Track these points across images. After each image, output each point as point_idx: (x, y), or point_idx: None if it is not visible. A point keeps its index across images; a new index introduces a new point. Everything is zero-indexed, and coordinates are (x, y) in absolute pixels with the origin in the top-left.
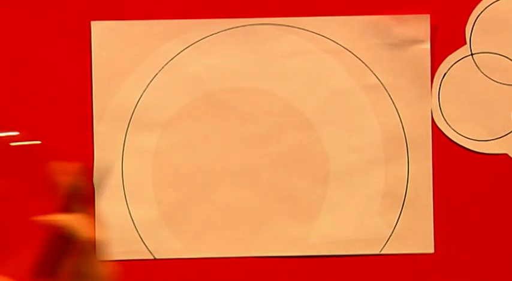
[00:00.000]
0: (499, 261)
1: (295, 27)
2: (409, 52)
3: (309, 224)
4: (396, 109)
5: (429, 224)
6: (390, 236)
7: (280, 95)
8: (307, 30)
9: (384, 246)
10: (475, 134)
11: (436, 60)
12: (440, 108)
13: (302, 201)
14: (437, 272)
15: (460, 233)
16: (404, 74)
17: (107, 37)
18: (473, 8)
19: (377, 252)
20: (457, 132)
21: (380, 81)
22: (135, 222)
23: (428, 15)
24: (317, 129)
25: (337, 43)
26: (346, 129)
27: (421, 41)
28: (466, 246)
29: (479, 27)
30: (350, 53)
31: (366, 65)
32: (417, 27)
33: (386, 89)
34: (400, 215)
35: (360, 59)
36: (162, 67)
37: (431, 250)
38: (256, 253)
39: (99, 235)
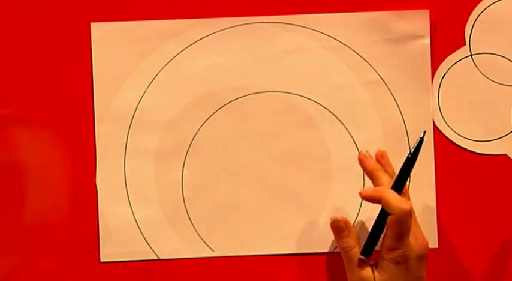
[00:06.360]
0: (499, 260)
1: (295, 24)
2: (409, 47)
3: (313, 220)
4: (397, 104)
5: (433, 218)
6: None
7: (282, 92)
8: (307, 28)
9: None
10: (474, 135)
11: (436, 60)
12: (439, 109)
13: (305, 198)
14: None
15: (461, 232)
16: (405, 69)
17: (107, 38)
18: (473, 8)
19: None
20: (457, 133)
21: (380, 77)
22: (138, 223)
23: (428, 11)
24: (318, 126)
25: (337, 40)
26: (348, 126)
27: (421, 36)
28: (468, 243)
29: (479, 28)
30: (350, 50)
31: (366, 61)
32: (417, 23)
33: (386, 85)
34: None
35: (359, 55)
36: (163, 67)
37: (435, 245)
38: (260, 251)
39: None
